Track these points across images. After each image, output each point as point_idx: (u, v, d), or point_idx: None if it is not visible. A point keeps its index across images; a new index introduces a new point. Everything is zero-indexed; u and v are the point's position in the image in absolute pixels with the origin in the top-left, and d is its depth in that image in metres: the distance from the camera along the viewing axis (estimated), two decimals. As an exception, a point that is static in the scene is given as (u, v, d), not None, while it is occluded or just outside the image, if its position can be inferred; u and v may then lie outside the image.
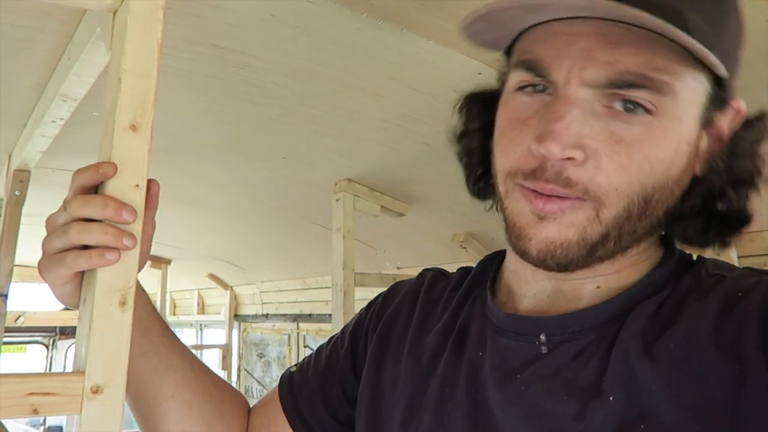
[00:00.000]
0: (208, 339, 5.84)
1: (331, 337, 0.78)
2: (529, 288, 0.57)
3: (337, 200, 1.91)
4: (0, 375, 0.53)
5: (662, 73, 0.46)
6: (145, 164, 0.65)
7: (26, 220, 1.90)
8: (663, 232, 0.55)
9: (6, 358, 5.68)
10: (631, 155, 0.47)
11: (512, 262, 0.60)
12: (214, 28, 1.04)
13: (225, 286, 4.77)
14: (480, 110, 0.60)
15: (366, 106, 1.38)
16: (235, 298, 4.82)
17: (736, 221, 0.53)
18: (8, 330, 4.43)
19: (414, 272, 0.76)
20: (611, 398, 0.46)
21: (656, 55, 0.46)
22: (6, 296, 1.72)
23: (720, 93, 0.50)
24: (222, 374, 4.80)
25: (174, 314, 5.87)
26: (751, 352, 0.43)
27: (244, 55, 1.11)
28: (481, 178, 0.61)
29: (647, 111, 0.47)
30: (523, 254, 0.51)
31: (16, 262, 1.83)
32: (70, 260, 0.52)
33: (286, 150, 1.74)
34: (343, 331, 0.76)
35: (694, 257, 0.56)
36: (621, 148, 0.47)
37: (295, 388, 0.73)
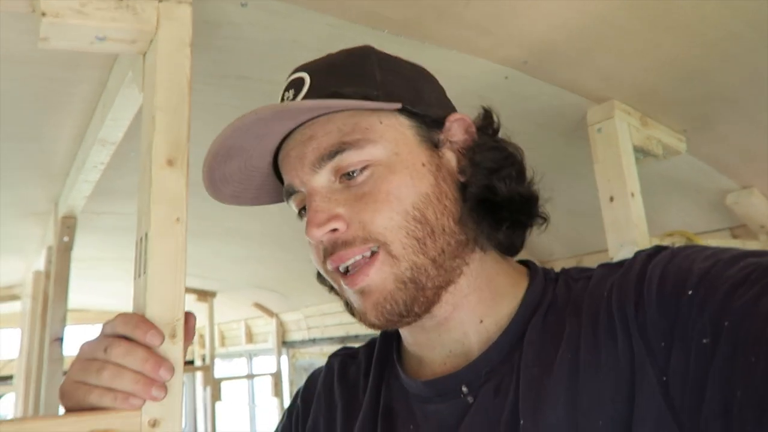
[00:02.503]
0: (258, 367, 5.88)
1: None
2: (432, 352, 0.61)
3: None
4: (60, 416, 0.54)
5: (352, 134, 0.55)
6: (183, 198, 0.66)
7: (75, 265, 1.96)
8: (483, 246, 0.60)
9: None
10: (376, 199, 0.54)
11: (405, 335, 0.65)
12: (239, 59, 1.07)
13: (270, 314, 4.81)
14: None
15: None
16: (281, 325, 4.85)
17: (521, 203, 0.59)
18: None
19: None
20: (521, 423, 0.50)
21: (341, 126, 0.56)
22: (62, 339, 1.77)
23: (425, 119, 0.59)
24: (274, 401, 4.82)
25: (223, 345, 5.95)
26: (632, 333, 0.48)
27: (270, 83, 1.12)
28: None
29: (364, 168, 0.55)
30: (373, 326, 0.57)
31: (68, 307, 1.89)
32: (95, 397, 0.53)
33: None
34: None
35: (557, 270, 0.61)
36: (366, 198, 0.55)
37: None
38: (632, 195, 1.24)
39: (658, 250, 0.52)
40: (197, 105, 1.24)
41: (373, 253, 0.55)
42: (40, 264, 2.28)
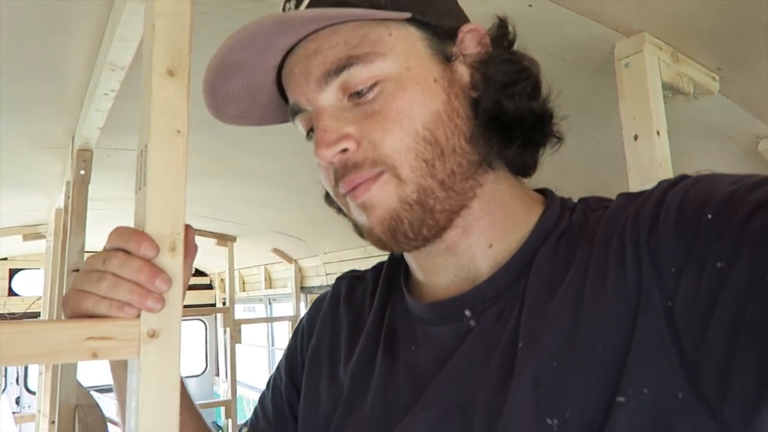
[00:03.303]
0: (277, 312, 6.01)
1: (268, 381, 0.78)
2: (436, 276, 0.60)
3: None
4: (58, 321, 0.54)
5: (360, 47, 0.52)
6: (184, 109, 0.64)
7: (94, 204, 1.97)
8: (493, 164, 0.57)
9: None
10: (387, 117, 0.52)
11: (410, 260, 0.63)
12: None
13: (289, 259, 4.86)
14: None
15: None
16: (300, 271, 4.91)
17: (534, 120, 0.56)
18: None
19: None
20: (520, 345, 0.49)
21: (348, 38, 0.52)
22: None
23: (436, 30, 0.55)
24: (292, 345, 4.93)
25: (244, 290, 6.06)
26: (641, 258, 0.46)
27: (280, 7, 1.08)
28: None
29: (373, 85, 0.53)
30: (379, 243, 0.56)
31: (89, 248, 1.92)
32: (91, 304, 0.54)
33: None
34: (277, 369, 0.77)
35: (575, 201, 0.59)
36: (376, 117, 0.52)
37: None
38: (658, 133, 1.19)
39: (682, 178, 0.50)
40: (206, 30, 1.20)
41: (379, 175, 0.53)
42: (62, 201, 2.31)
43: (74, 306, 0.55)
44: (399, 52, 0.53)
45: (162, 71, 0.63)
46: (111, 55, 1.06)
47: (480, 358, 0.53)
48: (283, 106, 0.63)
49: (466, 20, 0.60)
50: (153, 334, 0.56)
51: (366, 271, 0.74)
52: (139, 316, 0.55)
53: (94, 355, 0.54)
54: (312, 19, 0.52)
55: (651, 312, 0.44)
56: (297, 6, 0.55)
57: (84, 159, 1.76)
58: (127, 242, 0.55)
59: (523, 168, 0.60)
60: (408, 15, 0.54)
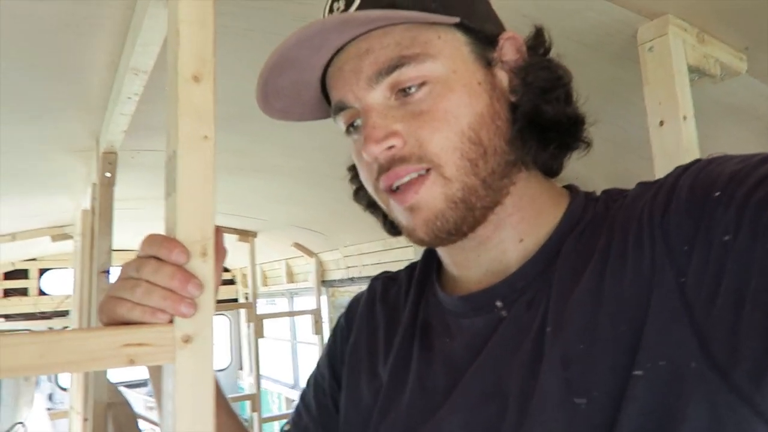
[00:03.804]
0: (299, 306, 6.05)
1: (308, 380, 0.80)
2: (469, 271, 0.62)
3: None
4: (95, 328, 0.55)
5: (411, 48, 0.54)
6: (211, 114, 0.64)
7: (119, 204, 2.00)
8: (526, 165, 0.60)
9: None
10: (434, 117, 0.54)
11: (444, 255, 0.66)
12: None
13: (310, 253, 4.89)
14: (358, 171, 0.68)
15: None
16: (320, 264, 4.93)
17: (568, 125, 0.59)
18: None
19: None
20: (548, 329, 0.51)
21: (399, 39, 0.54)
22: (108, 272, 1.83)
23: (479, 35, 0.58)
24: (315, 338, 4.97)
25: (266, 285, 6.11)
26: (655, 243, 0.48)
27: (301, 4, 1.08)
28: (386, 217, 0.67)
29: (423, 84, 0.55)
30: (421, 243, 0.58)
31: (116, 247, 1.95)
32: (125, 310, 0.55)
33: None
34: (317, 367, 0.79)
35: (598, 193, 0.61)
36: (423, 116, 0.54)
37: None
38: (684, 118, 1.16)
39: (695, 162, 0.52)
40: (226, 30, 1.21)
41: (426, 171, 0.55)
42: (87, 202, 2.34)
43: (109, 312, 0.57)
44: (447, 55, 0.56)
45: (187, 77, 0.64)
46: (134, 60, 1.07)
47: (512, 345, 0.55)
48: (322, 103, 0.65)
49: (503, 27, 0.63)
50: (187, 340, 0.57)
51: (399, 271, 0.76)
52: (172, 321, 0.56)
53: (132, 362, 0.55)
54: (373, 20, 0.54)
55: (665, 287, 0.46)
56: (347, 6, 0.57)
57: (109, 162, 1.78)
58: (159, 249, 0.56)
59: (553, 169, 0.62)
60: (457, 20, 0.56)
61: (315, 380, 0.79)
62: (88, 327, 2.01)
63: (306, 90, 0.63)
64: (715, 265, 0.43)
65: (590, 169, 1.81)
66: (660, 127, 1.19)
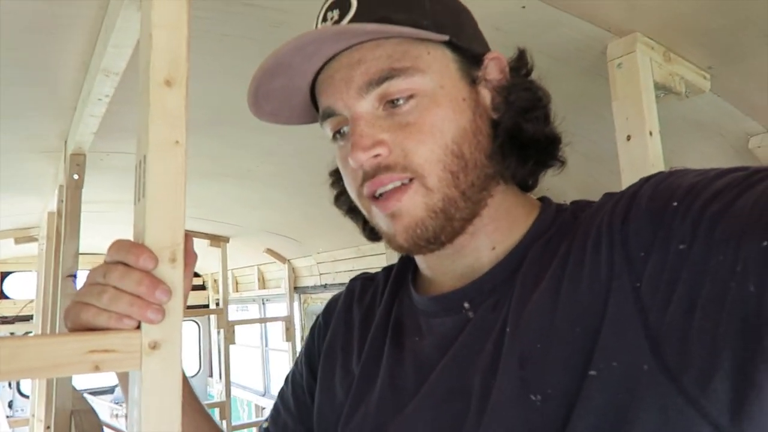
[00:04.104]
0: (271, 312, 6.00)
1: (287, 377, 0.82)
2: (443, 276, 0.65)
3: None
4: (60, 334, 0.54)
5: (402, 61, 0.56)
6: (183, 119, 0.64)
7: (89, 207, 1.96)
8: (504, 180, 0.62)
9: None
10: (421, 129, 0.56)
11: (420, 261, 0.68)
12: (244, -16, 1.02)
13: (283, 259, 4.86)
14: (340, 176, 0.69)
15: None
16: (293, 271, 4.91)
17: (546, 143, 0.62)
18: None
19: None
20: (507, 330, 0.54)
21: (391, 52, 0.56)
22: (75, 277, 1.79)
23: (466, 54, 0.60)
24: (286, 345, 4.93)
25: (237, 291, 6.05)
26: (615, 255, 0.50)
27: (278, 11, 1.08)
28: (366, 223, 0.68)
29: (411, 97, 0.57)
30: (400, 249, 0.60)
31: (83, 251, 1.91)
32: (91, 316, 0.55)
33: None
34: (295, 364, 0.81)
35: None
36: (410, 128, 0.56)
37: None
38: (650, 134, 1.20)
39: (657, 173, 0.54)
40: (202, 34, 1.20)
41: (409, 181, 0.57)
42: (54, 204, 2.29)
43: (74, 318, 0.56)
44: (435, 70, 0.58)
45: (160, 81, 0.63)
46: (105, 61, 1.05)
47: (477, 345, 0.57)
48: (310, 109, 0.67)
49: (488, 47, 0.65)
50: (154, 346, 0.56)
51: (377, 272, 0.78)
52: (139, 327, 0.55)
53: (97, 368, 0.54)
54: (368, 33, 0.56)
55: (621, 291, 0.48)
56: (341, 17, 0.59)
57: (77, 163, 1.75)
58: (126, 255, 0.56)
59: (528, 184, 0.66)
60: (446, 38, 0.58)
61: (293, 377, 0.80)
62: (52, 332, 1.96)
63: (296, 95, 0.64)
64: (670, 273, 0.45)
65: (563, 181, 1.84)
66: (627, 141, 1.22)
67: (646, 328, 0.46)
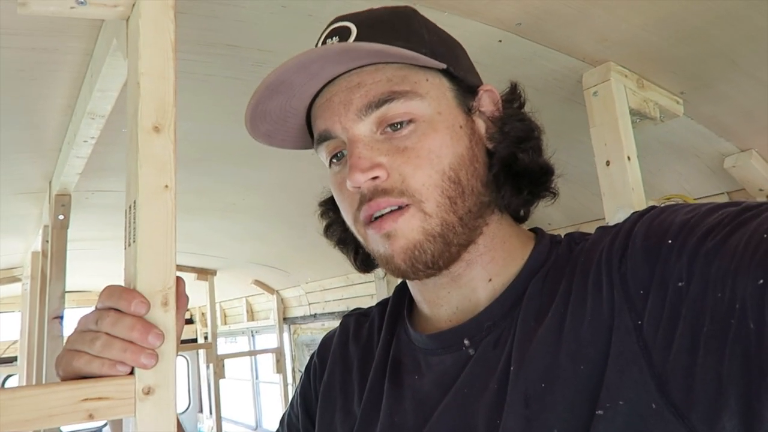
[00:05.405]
0: (261, 344, 5.93)
1: (281, 419, 0.82)
2: (440, 309, 0.64)
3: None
4: (52, 384, 0.53)
5: (402, 85, 0.57)
6: (171, 164, 0.65)
7: (74, 245, 1.95)
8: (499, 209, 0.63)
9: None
10: (419, 154, 0.57)
11: (416, 292, 0.67)
12: (226, 27, 1.04)
13: (271, 290, 4.83)
14: (330, 206, 0.71)
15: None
16: (282, 301, 4.87)
17: (540, 174, 0.62)
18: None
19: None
20: (512, 368, 0.53)
21: (391, 76, 0.57)
22: (61, 318, 1.77)
23: (462, 84, 0.61)
24: (277, 377, 4.87)
25: (225, 323, 5.98)
26: (614, 292, 0.50)
27: (261, 51, 1.10)
28: (357, 253, 0.69)
29: (410, 122, 0.57)
30: (397, 271, 0.59)
31: (70, 289, 1.89)
32: (83, 363, 0.54)
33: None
34: (291, 405, 0.80)
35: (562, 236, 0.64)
36: (408, 153, 0.57)
37: None
38: (629, 159, 1.23)
39: (650, 209, 0.55)
40: (187, 75, 1.22)
41: (406, 206, 0.57)
42: (38, 244, 2.27)
43: (66, 366, 0.56)
44: (433, 96, 0.59)
45: (148, 128, 0.64)
46: (91, 105, 1.06)
47: (480, 383, 0.56)
48: (304, 134, 0.67)
49: (482, 81, 0.66)
50: (148, 391, 0.56)
51: (371, 308, 0.78)
52: (132, 373, 0.55)
53: (91, 417, 0.54)
54: (372, 52, 0.56)
55: (623, 330, 0.48)
56: (340, 42, 0.59)
57: (62, 204, 1.74)
58: (118, 301, 0.56)
59: (521, 215, 0.66)
60: (444, 66, 0.60)
61: (288, 419, 0.79)
62: (44, 382, 1.92)
63: (292, 117, 0.64)
64: (670, 310, 0.46)
65: (549, 205, 1.86)
66: (607, 167, 1.25)
67: (651, 365, 0.46)
